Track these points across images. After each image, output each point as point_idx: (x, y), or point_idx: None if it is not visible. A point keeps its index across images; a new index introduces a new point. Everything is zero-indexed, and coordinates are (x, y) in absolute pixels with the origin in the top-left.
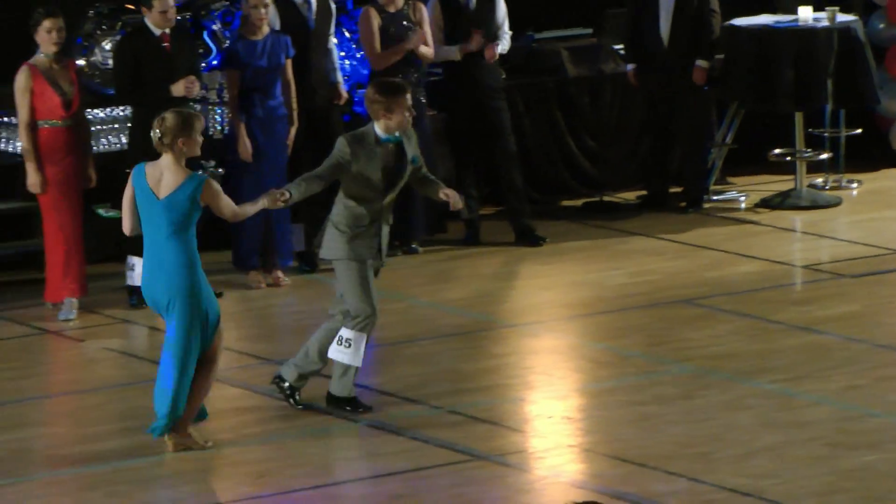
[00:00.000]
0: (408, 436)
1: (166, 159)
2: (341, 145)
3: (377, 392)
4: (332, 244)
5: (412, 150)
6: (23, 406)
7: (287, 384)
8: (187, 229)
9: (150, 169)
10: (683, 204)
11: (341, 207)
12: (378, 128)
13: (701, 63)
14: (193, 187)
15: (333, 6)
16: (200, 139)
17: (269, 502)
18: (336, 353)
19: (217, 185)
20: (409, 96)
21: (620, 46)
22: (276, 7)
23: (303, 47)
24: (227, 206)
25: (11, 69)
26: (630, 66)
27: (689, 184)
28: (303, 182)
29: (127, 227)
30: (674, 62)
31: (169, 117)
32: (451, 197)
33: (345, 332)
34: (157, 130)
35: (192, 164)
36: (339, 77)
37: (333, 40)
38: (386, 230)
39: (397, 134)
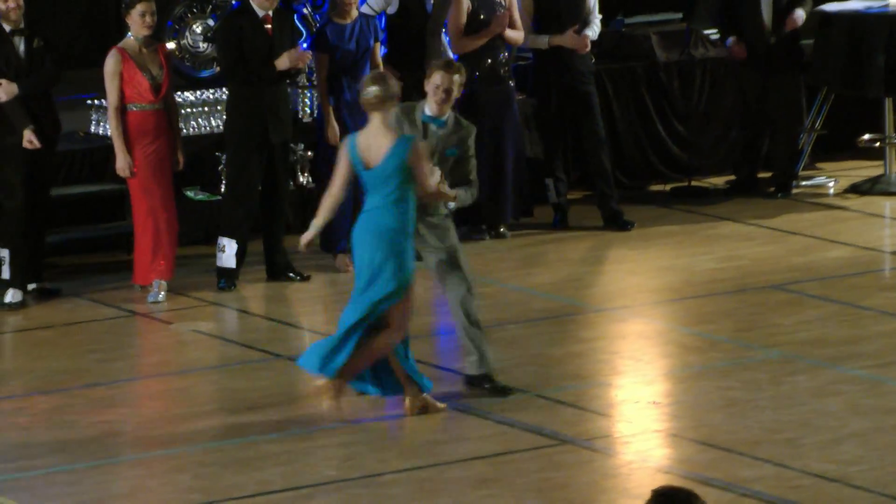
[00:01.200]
0: (494, 419)
1: (375, 122)
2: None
3: (465, 375)
4: None
5: (452, 143)
6: (112, 388)
7: (480, 376)
8: (406, 196)
9: (361, 138)
10: (772, 189)
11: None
12: (427, 105)
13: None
14: (402, 150)
15: None
16: None
17: (355, 486)
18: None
19: (423, 149)
20: (456, 77)
21: (711, 31)
22: None
23: (420, 31)
24: (426, 175)
25: (101, 52)
26: (730, 40)
27: (779, 169)
28: None
29: (334, 193)
30: (777, 51)
31: (393, 80)
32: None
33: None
34: (376, 88)
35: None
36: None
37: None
38: (431, 219)
39: (444, 118)
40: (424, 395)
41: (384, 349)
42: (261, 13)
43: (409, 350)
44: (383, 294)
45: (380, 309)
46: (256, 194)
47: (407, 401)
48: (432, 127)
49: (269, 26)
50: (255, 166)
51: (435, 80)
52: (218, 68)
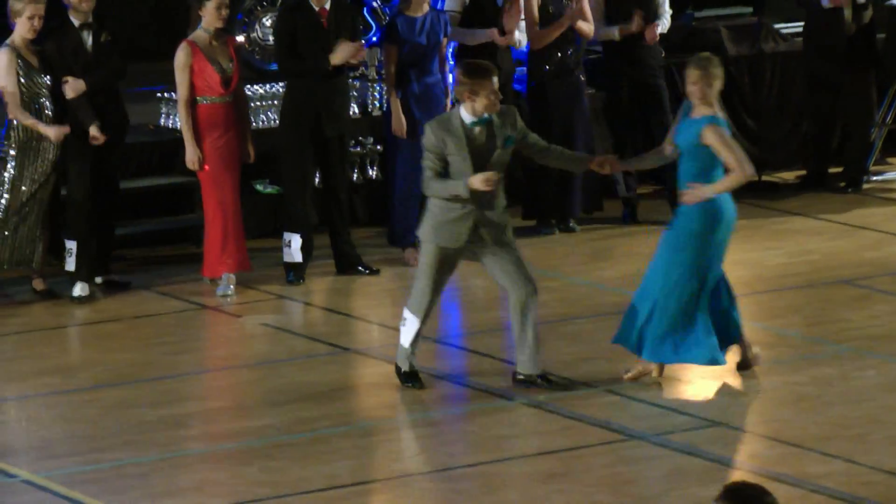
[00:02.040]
0: (563, 414)
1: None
2: (428, 133)
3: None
4: (423, 224)
5: (506, 131)
6: (180, 381)
7: (534, 375)
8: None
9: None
10: (843, 184)
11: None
12: (464, 111)
13: None
14: (693, 132)
15: None
16: None
17: (424, 479)
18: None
19: (721, 131)
20: (495, 79)
21: (782, 25)
22: None
23: (492, 25)
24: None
25: (170, 45)
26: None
27: (850, 164)
28: (444, 180)
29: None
30: (855, 43)
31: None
32: (606, 163)
33: (405, 311)
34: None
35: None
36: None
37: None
38: (490, 214)
39: (486, 115)
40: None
41: None
42: (316, 7)
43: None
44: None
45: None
46: (315, 188)
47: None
48: (476, 129)
49: (325, 20)
50: (310, 160)
51: (486, 90)
52: None
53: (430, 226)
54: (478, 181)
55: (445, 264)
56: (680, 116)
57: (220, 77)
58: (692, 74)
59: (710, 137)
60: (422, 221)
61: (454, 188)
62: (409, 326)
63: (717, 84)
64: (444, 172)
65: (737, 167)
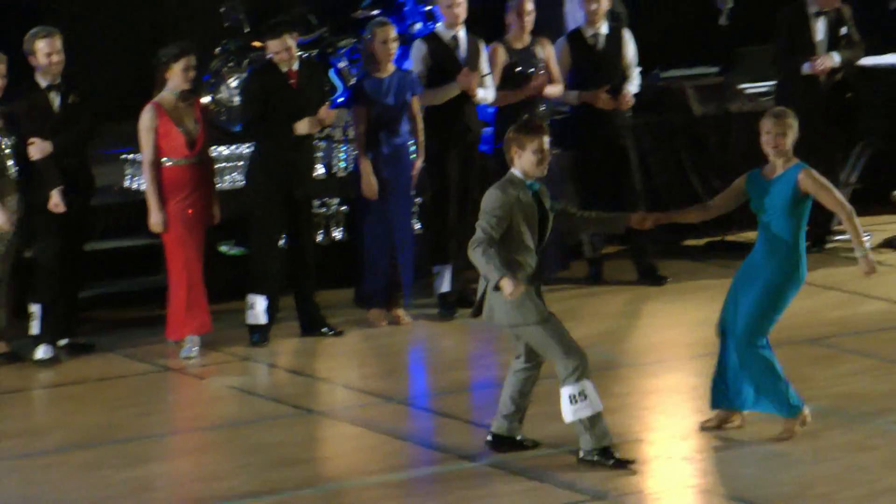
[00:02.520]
0: (528, 476)
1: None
2: (498, 196)
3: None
4: (514, 310)
5: (548, 198)
6: (145, 443)
7: (502, 436)
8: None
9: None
10: (808, 244)
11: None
12: (518, 173)
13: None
14: (789, 184)
15: (482, 43)
16: None
17: None
18: (574, 412)
19: (814, 175)
20: (546, 139)
21: (748, 85)
22: (426, 45)
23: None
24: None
25: (136, 106)
26: (808, 64)
27: (816, 223)
28: (494, 256)
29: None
30: (832, 113)
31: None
32: (647, 219)
33: (569, 389)
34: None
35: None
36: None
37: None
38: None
39: (536, 183)
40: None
41: None
42: (284, 68)
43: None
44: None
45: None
46: (281, 249)
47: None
48: (531, 194)
49: (294, 81)
50: (279, 221)
51: (533, 146)
52: None
53: (516, 308)
54: (508, 289)
55: (557, 324)
56: (745, 183)
57: (186, 139)
58: (767, 124)
59: (810, 183)
60: (504, 311)
61: (495, 273)
62: (588, 391)
63: (792, 135)
64: (499, 239)
65: (841, 207)
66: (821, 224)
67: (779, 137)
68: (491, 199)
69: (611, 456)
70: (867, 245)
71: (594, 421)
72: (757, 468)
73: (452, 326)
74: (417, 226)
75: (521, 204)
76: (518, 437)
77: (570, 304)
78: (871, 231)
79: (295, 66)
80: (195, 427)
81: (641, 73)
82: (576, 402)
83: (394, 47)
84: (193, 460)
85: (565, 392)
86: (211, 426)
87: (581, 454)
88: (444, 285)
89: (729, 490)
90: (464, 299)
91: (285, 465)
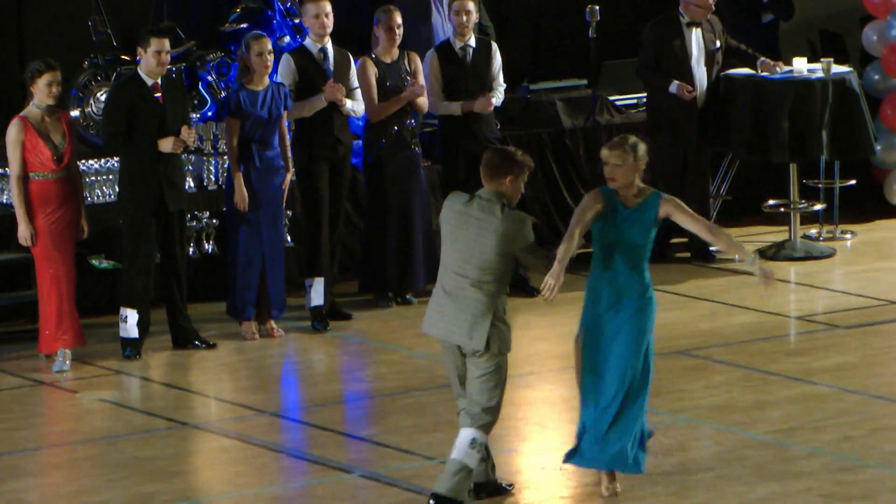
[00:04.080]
0: (402, 486)
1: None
2: (526, 223)
3: (372, 443)
4: (505, 338)
5: None
6: (17, 457)
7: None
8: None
9: None
10: (689, 255)
11: (503, 299)
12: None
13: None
14: (651, 212)
15: (351, 57)
16: None
17: None
18: (467, 455)
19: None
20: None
21: (616, 97)
22: (294, 59)
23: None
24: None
25: (6, 121)
26: (675, 85)
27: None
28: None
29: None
30: (706, 127)
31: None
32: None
33: (477, 435)
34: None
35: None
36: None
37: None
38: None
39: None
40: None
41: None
42: (150, 82)
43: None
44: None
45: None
46: (154, 263)
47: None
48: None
49: (160, 94)
50: (152, 236)
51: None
52: None
53: (509, 338)
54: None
55: None
56: (598, 215)
57: (52, 153)
58: (602, 154)
59: (673, 208)
60: (499, 339)
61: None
62: (478, 455)
63: (630, 162)
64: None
65: (705, 227)
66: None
67: (615, 169)
68: (525, 225)
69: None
70: (749, 251)
71: (467, 475)
72: (630, 479)
73: (324, 339)
74: (288, 239)
75: None
76: (495, 480)
77: None
78: (742, 242)
79: (159, 80)
80: (68, 441)
81: (511, 86)
82: (474, 448)
83: (269, 59)
84: (66, 474)
85: (471, 434)
86: (84, 440)
87: (432, 495)
88: (316, 298)
89: (602, 501)
90: (335, 312)
91: (159, 478)
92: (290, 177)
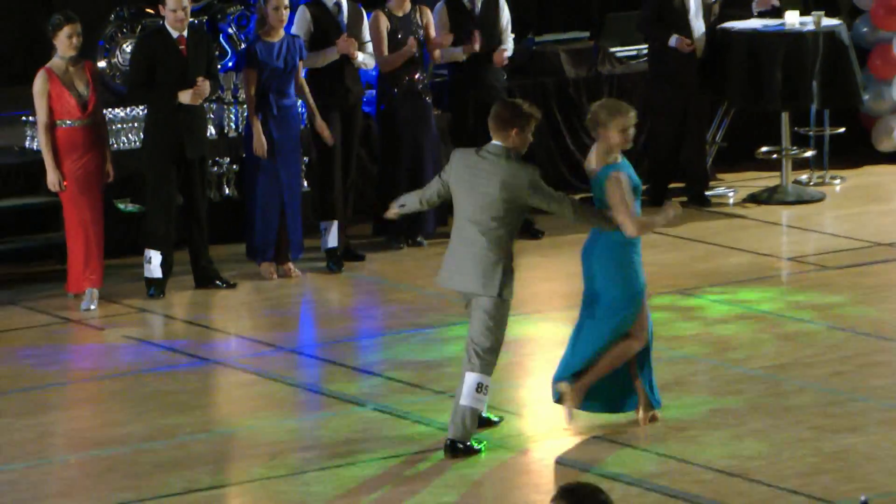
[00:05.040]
0: (412, 419)
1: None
2: (528, 166)
3: (384, 378)
4: (512, 284)
5: None
6: (46, 392)
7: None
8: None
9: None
10: (686, 199)
11: (512, 246)
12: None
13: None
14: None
15: (363, 10)
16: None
17: (280, 483)
18: (474, 400)
19: (617, 183)
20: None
21: (617, 49)
22: (310, 11)
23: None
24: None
25: (31, 70)
26: (675, 38)
27: (694, 180)
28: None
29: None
30: (705, 77)
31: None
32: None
33: (481, 378)
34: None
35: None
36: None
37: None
38: None
39: None
40: (654, 410)
41: (623, 358)
42: (175, 34)
43: (647, 361)
44: (621, 318)
45: (621, 333)
46: (176, 207)
47: (640, 412)
48: None
49: (184, 47)
50: (173, 181)
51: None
52: None
53: (512, 284)
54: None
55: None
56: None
57: (77, 102)
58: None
59: (609, 186)
60: (508, 285)
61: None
62: (485, 397)
63: (616, 125)
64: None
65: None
66: (699, 183)
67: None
68: (533, 174)
69: (468, 447)
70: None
71: (476, 418)
72: (628, 412)
73: (339, 280)
74: (304, 184)
75: None
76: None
77: None
78: (736, 187)
79: (185, 33)
80: (94, 376)
81: (516, 39)
82: (480, 391)
83: (286, 13)
84: (93, 407)
85: (476, 379)
86: (109, 375)
87: (448, 442)
88: (331, 241)
89: (604, 433)
90: (349, 253)
91: (182, 411)
92: (320, 121)
